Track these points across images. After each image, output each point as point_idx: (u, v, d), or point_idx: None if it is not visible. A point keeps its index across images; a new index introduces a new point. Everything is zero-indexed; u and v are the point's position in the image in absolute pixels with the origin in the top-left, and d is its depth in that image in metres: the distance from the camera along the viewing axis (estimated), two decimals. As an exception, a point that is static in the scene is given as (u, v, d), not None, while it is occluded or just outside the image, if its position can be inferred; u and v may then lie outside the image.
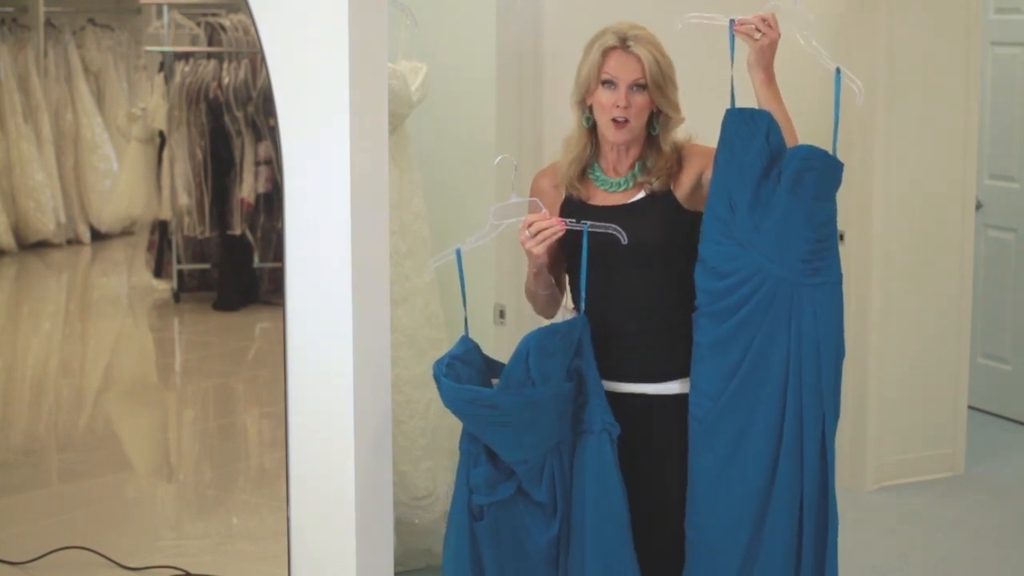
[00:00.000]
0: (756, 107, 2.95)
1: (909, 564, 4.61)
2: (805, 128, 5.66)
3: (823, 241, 2.91)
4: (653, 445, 3.02)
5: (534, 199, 3.01)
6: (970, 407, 5.70)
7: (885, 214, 5.24)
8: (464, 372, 2.95)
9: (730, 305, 2.91)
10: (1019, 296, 6.11)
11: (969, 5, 5.32)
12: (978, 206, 5.78)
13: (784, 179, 2.86)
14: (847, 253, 5.18)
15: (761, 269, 2.89)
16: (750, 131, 2.90)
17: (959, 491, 5.33)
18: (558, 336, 2.89)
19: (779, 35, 2.90)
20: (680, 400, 3.01)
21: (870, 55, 5.15)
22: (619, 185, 3.03)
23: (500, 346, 3.99)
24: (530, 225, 2.92)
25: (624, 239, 2.90)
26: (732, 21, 2.91)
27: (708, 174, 2.98)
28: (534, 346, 2.86)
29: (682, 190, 3.01)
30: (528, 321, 4.07)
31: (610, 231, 2.90)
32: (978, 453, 5.67)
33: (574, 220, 2.93)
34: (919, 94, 5.26)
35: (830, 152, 2.92)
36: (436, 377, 2.93)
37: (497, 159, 3.09)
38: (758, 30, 2.88)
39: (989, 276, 6.19)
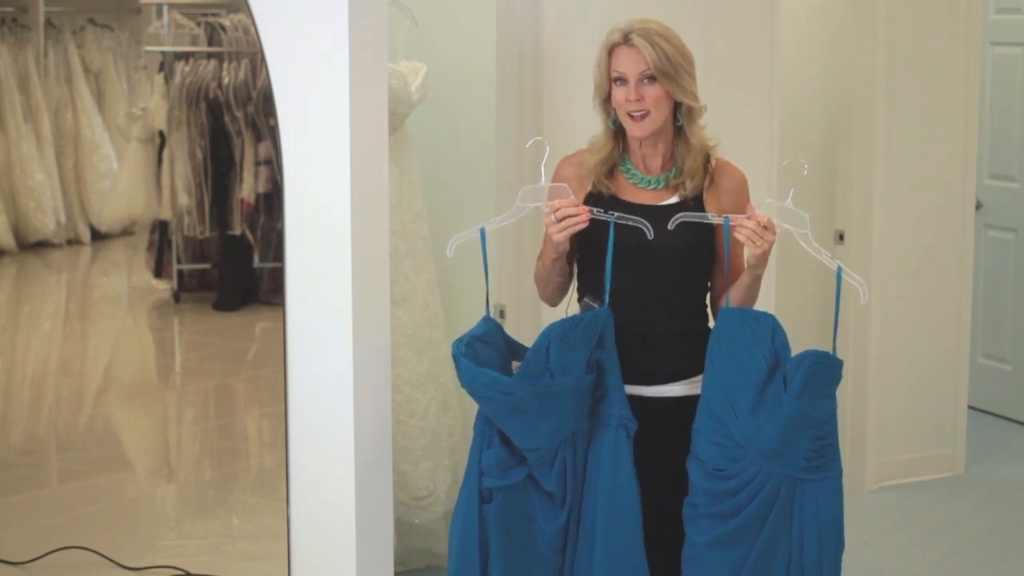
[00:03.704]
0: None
1: (909, 564, 4.61)
2: (804, 121, 5.68)
3: (825, 438, 2.90)
4: (657, 447, 3.01)
5: (562, 184, 2.97)
6: (970, 407, 5.70)
7: (885, 214, 5.24)
8: (484, 353, 2.92)
9: (733, 506, 2.91)
10: (1019, 296, 6.11)
11: (969, 5, 5.31)
12: (978, 206, 5.78)
13: (792, 386, 2.84)
14: (847, 253, 5.19)
15: (764, 468, 2.89)
16: (754, 334, 2.88)
17: (959, 491, 5.33)
18: (580, 328, 2.87)
19: (776, 237, 2.88)
20: (681, 402, 3.01)
21: (870, 55, 5.15)
22: (650, 183, 3.02)
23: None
24: (557, 210, 2.90)
25: (651, 233, 2.88)
26: (727, 219, 2.90)
27: (730, 207, 2.99)
28: (555, 338, 2.84)
29: (709, 208, 2.99)
30: (528, 320, 4.07)
31: (636, 224, 2.88)
32: (978, 453, 5.67)
33: (601, 210, 2.91)
34: (919, 94, 5.26)
35: (831, 350, 2.90)
36: (455, 357, 2.90)
37: (529, 142, 3.08)
38: (759, 236, 2.86)
39: (989, 276, 6.19)
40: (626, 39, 2.94)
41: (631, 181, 3.03)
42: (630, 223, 2.89)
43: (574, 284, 3.13)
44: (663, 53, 2.92)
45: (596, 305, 2.97)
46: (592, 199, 3.02)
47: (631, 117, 2.95)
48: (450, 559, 3.02)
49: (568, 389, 2.87)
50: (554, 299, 3.13)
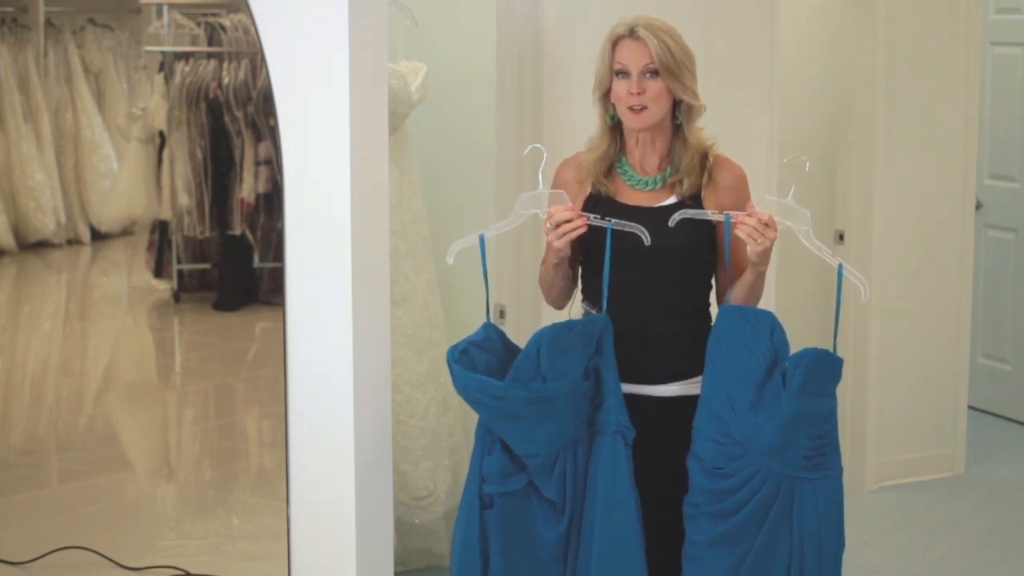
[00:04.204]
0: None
1: (909, 564, 4.61)
2: (804, 121, 5.67)
3: (824, 437, 2.90)
4: (656, 447, 3.01)
5: (560, 191, 2.96)
6: (970, 407, 5.70)
7: (885, 214, 5.24)
8: (481, 359, 2.91)
9: (733, 505, 2.90)
10: (1019, 296, 6.11)
11: (969, 5, 5.32)
12: (978, 206, 5.78)
13: (791, 384, 2.84)
14: (847, 253, 5.19)
15: (763, 467, 2.88)
16: (754, 332, 2.88)
17: (959, 491, 5.33)
18: (574, 333, 2.86)
19: (777, 235, 2.88)
20: (681, 402, 3.01)
21: (870, 55, 5.15)
22: (648, 184, 3.01)
23: (500, 346, 3.98)
24: (551, 217, 2.88)
25: (647, 239, 2.87)
26: (728, 216, 2.89)
27: (729, 204, 2.98)
28: (546, 341, 2.83)
29: (708, 206, 2.99)
30: (528, 321, 4.07)
31: (633, 230, 2.88)
32: (978, 453, 5.67)
33: (598, 216, 2.90)
34: (919, 94, 5.26)
35: (831, 348, 2.90)
36: (448, 363, 2.90)
37: (527, 149, 3.08)
38: (760, 233, 2.85)
39: (989, 276, 6.19)
40: (631, 32, 2.94)
41: (628, 183, 3.03)
42: (627, 229, 2.89)
43: (579, 287, 3.13)
44: (667, 48, 2.92)
45: (594, 311, 2.96)
46: (591, 201, 3.02)
47: (631, 110, 2.95)
48: (452, 565, 3.02)
49: (562, 394, 2.85)
50: (559, 302, 3.13)
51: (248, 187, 6.21)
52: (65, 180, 6.80)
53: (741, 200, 3.01)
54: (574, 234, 2.89)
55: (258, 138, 6.23)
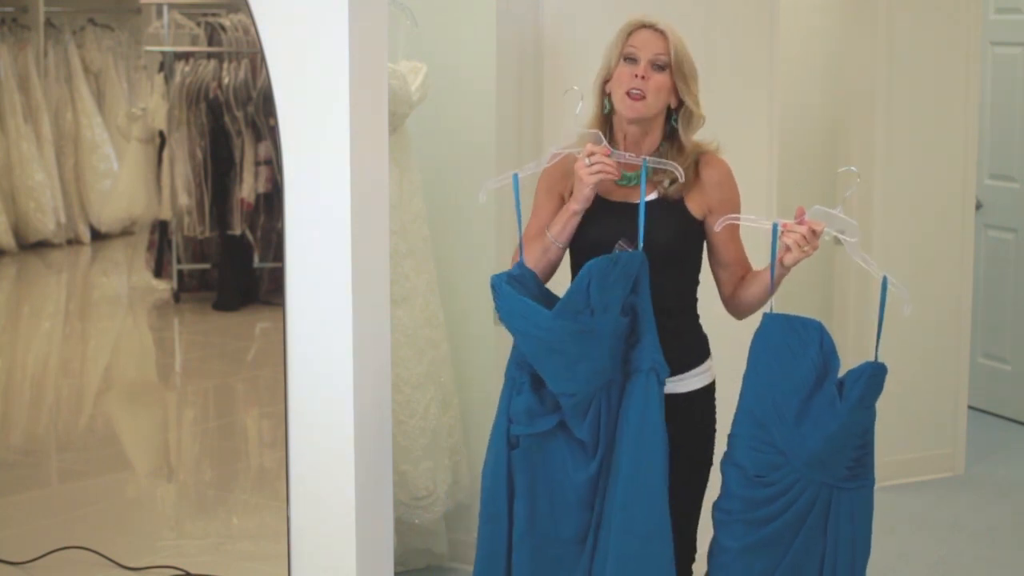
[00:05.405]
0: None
1: (909, 564, 4.61)
2: (804, 121, 5.66)
3: (866, 447, 2.89)
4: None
5: (596, 131, 2.97)
6: (970, 407, 5.70)
7: (885, 214, 5.24)
8: (520, 291, 2.90)
9: (770, 513, 2.89)
10: (1019, 296, 6.11)
11: (969, 5, 5.31)
12: (978, 206, 5.78)
13: (850, 398, 2.83)
14: (847, 253, 5.18)
15: (803, 476, 2.87)
16: (802, 341, 2.87)
17: (959, 491, 5.33)
18: (619, 267, 2.85)
19: (819, 244, 2.89)
20: (667, 399, 3.00)
21: (870, 55, 5.14)
22: (631, 180, 3.00)
23: (500, 347, 3.99)
24: (591, 154, 2.88)
25: (681, 176, 2.89)
26: (776, 225, 2.89)
27: (715, 201, 2.98)
28: (596, 274, 2.81)
29: (693, 205, 2.99)
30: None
31: (667, 167, 2.90)
32: (978, 453, 5.67)
33: (632, 153, 2.92)
34: (919, 94, 5.26)
35: (874, 359, 2.90)
36: (495, 286, 2.88)
37: (567, 91, 3.07)
38: (807, 242, 2.86)
39: (989, 276, 6.19)
40: (652, 24, 2.95)
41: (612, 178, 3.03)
42: (662, 167, 2.91)
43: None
44: (682, 48, 2.95)
45: (629, 248, 2.94)
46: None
47: (629, 95, 2.94)
48: (481, 505, 2.99)
49: (606, 329, 2.83)
50: (545, 273, 3.05)
51: (248, 187, 6.22)
52: (65, 180, 6.81)
53: (728, 197, 3.01)
54: (607, 176, 2.89)
55: (258, 138, 6.23)
